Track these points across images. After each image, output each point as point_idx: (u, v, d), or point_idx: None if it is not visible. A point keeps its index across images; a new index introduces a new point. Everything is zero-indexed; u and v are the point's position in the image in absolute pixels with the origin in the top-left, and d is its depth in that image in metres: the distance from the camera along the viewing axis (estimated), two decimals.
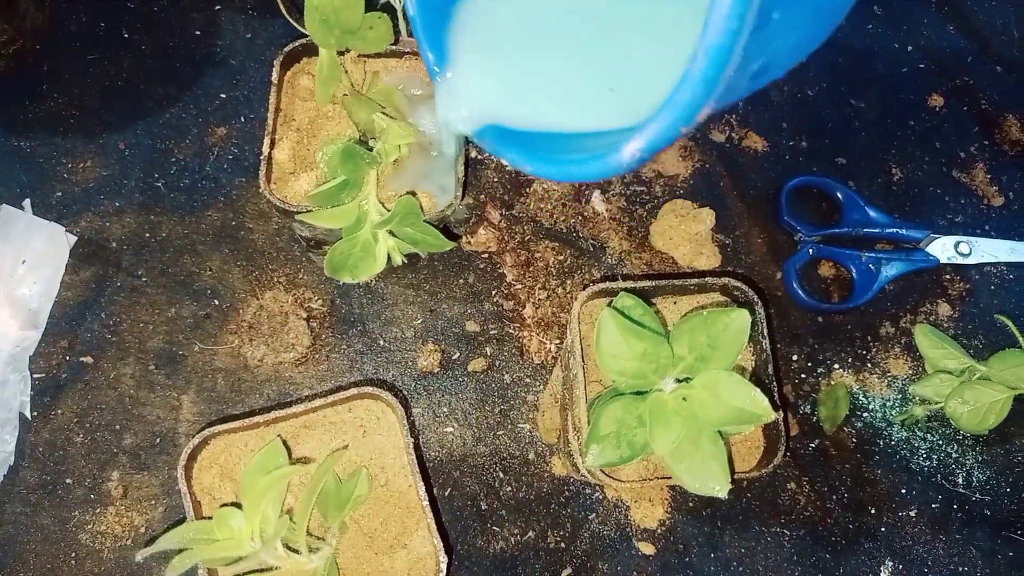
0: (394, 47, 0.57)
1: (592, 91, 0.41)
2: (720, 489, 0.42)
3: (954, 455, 0.67)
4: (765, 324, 0.53)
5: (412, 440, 0.50)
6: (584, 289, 0.53)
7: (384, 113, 0.53)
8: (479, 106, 0.43)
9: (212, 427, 0.49)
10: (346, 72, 0.55)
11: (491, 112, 0.42)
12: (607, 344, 0.43)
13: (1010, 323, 0.64)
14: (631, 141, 0.32)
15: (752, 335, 0.53)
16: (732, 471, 0.44)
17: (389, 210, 0.54)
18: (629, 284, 0.52)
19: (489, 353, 0.66)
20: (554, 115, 0.41)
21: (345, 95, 0.54)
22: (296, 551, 0.44)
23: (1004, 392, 0.63)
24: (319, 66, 0.52)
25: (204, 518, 0.47)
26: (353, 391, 0.50)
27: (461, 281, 0.68)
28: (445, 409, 0.65)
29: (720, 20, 0.27)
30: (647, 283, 0.53)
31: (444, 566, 0.47)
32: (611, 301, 0.47)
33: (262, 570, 0.44)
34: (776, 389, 0.51)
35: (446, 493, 0.62)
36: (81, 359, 0.63)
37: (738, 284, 0.54)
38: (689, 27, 0.33)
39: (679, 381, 0.44)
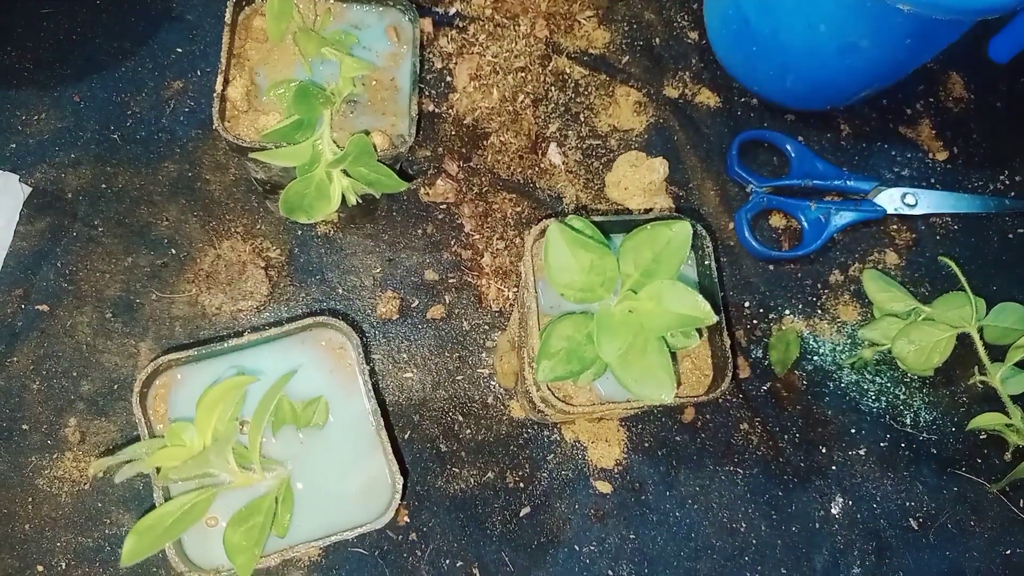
0: None
1: None
2: (666, 395, 0.43)
3: (902, 396, 0.69)
4: (712, 253, 0.54)
5: (368, 366, 0.50)
6: (537, 224, 0.54)
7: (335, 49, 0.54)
8: None
9: (167, 355, 0.49)
10: (298, 10, 0.56)
11: None
12: (555, 257, 0.44)
13: (953, 264, 0.66)
14: None
15: (698, 258, 0.54)
16: (678, 382, 0.45)
17: (343, 149, 0.55)
18: (582, 218, 0.53)
19: (448, 301, 0.67)
20: None
21: (296, 32, 0.55)
22: (250, 469, 0.44)
23: (947, 331, 0.65)
24: (270, 1, 0.53)
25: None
26: (308, 320, 0.51)
27: (420, 231, 0.68)
28: (404, 355, 0.65)
29: None
30: (599, 218, 0.54)
31: (399, 487, 0.48)
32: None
33: (215, 486, 0.44)
34: (722, 307, 0.52)
35: (406, 436, 0.63)
36: (37, 307, 0.62)
37: (688, 219, 0.55)
38: None
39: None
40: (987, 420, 0.65)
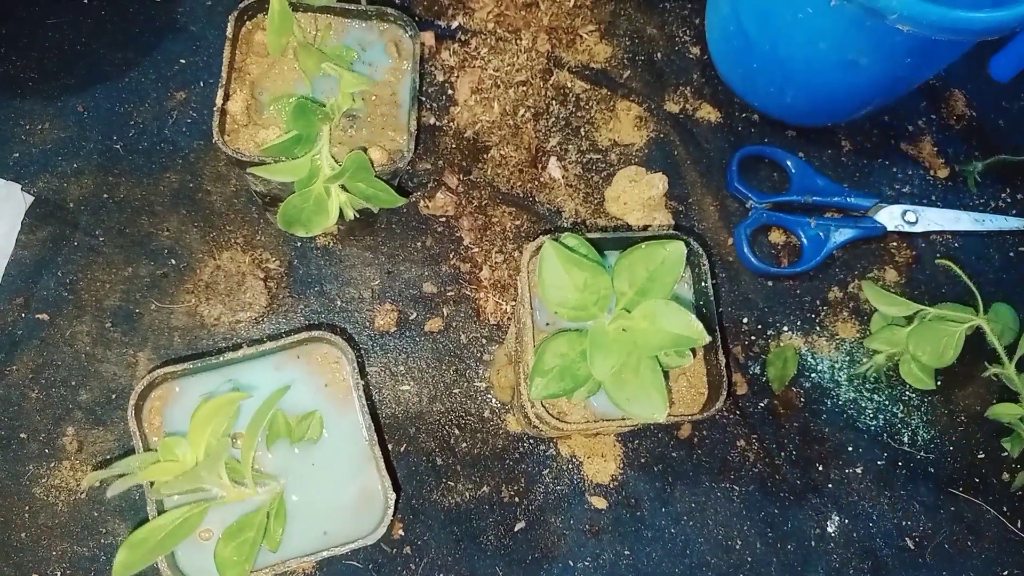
0: (345, 4, 0.58)
1: None
2: (658, 414, 0.43)
3: (900, 415, 0.69)
4: (708, 272, 0.54)
5: (362, 381, 0.51)
6: (533, 240, 0.54)
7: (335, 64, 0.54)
8: None
9: (164, 367, 0.49)
10: (299, 25, 0.56)
11: None
12: (549, 275, 0.44)
13: (953, 266, 0.66)
14: None
15: (695, 276, 0.54)
16: (670, 400, 0.45)
17: (341, 164, 0.55)
18: (576, 235, 0.53)
19: (446, 314, 0.67)
20: None
21: (297, 47, 0.55)
22: (243, 484, 0.45)
23: (959, 326, 0.64)
24: (271, 15, 0.53)
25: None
26: (303, 335, 0.51)
27: (419, 244, 0.69)
28: (402, 368, 0.65)
29: None
30: (595, 235, 0.55)
31: (392, 502, 0.48)
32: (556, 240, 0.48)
33: (208, 500, 0.45)
34: (717, 326, 0.52)
35: (402, 449, 0.63)
36: (37, 316, 0.63)
37: (683, 237, 0.55)
38: None
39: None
40: (1003, 410, 0.65)
